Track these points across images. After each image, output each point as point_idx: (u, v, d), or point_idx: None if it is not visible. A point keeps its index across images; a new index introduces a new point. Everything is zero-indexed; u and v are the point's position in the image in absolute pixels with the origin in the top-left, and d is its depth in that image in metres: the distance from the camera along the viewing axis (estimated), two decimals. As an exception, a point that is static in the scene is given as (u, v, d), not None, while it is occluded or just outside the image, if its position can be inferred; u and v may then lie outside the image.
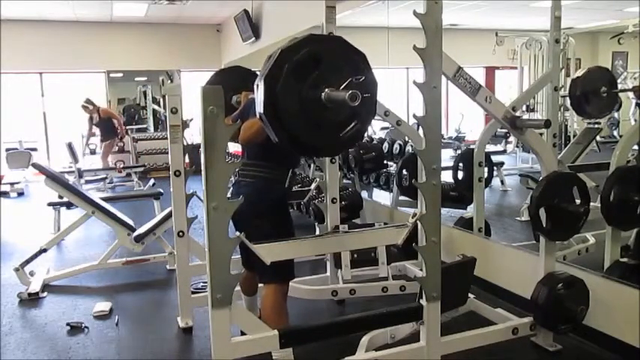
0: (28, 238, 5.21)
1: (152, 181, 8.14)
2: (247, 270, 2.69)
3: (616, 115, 4.99)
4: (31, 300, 3.68)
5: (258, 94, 1.84)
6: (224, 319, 1.91)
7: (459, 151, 6.38)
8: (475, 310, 2.99)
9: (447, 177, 4.03)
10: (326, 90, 1.82)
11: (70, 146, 7.59)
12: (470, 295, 2.86)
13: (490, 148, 5.11)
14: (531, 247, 3.25)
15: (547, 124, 2.44)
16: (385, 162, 4.93)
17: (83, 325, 3.22)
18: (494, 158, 4.74)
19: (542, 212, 2.53)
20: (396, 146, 4.93)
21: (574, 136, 4.81)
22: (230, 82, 2.94)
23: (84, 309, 3.51)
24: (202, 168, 1.80)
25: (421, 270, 2.35)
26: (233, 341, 1.99)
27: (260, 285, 2.74)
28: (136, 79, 10.26)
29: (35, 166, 4.47)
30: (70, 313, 3.47)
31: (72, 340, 3.07)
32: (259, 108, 1.85)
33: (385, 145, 5.01)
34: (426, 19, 2.08)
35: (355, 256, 3.35)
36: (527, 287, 2.66)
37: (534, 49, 5.92)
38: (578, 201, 2.59)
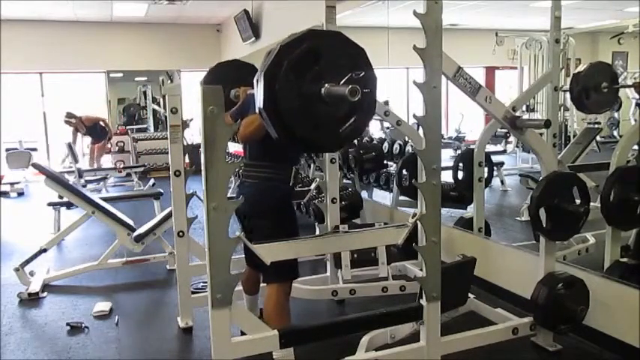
0: (28, 238, 5.21)
1: (152, 181, 8.14)
2: (251, 269, 2.69)
3: (616, 115, 5.00)
4: (31, 300, 3.68)
5: (258, 90, 1.84)
6: (224, 319, 1.91)
7: (459, 151, 6.38)
8: (475, 310, 2.99)
9: (447, 177, 4.03)
10: (326, 85, 1.81)
11: (70, 146, 7.60)
12: (470, 295, 2.86)
13: (490, 148, 5.11)
14: (531, 247, 3.25)
15: (547, 124, 2.44)
16: (385, 162, 4.93)
17: (83, 325, 3.22)
18: (494, 158, 4.74)
19: (542, 212, 2.53)
20: (396, 146, 4.93)
21: (574, 136, 4.82)
22: (228, 75, 2.92)
23: (84, 309, 3.50)
24: (202, 168, 1.80)
25: (421, 270, 2.35)
26: (233, 341, 1.99)
27: (262, 285, 2.74)
28: (136, 79, 10.27)
29: (35, 166, 4.48)
30: (70, 313, 3.46)
31: (72, 340, 3.07)
32: (259, 103, 1.84)
33: (385, 145, 5.01)
34: (426, 19, 2.08)
35: (355, 256, 3.35)
36: (527, 287, 2.66)
37: (534, 49, 5.93)
38: (578, 201, 2.59)
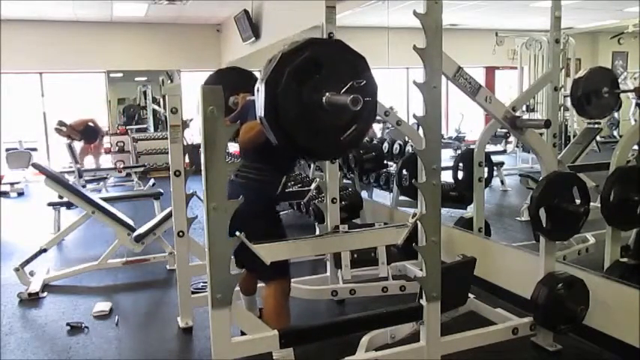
0: (28, 238, 5.21)
1: (152, 181, 8.14)
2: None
3: (616, 115, 4.99)
4: (31, 300, 3.68)
5: (259, 98, 1.84)
6: (224, 319, 1.91)
7: (459, 151, 6.38)
8: (475, 310, 2.99)
9: (447, 177, 4.03)
10: (327, 94, 1.82)
11: (70, 146, 7.59)
12: (470, 295, 2.86)
13: (490, 148, 5.11)
14: (531, 247, 3.25)
15: (547, 124, 2.44)
16: (385, 162, 4.93)
17: (83, 325, 3.22)
18: (494, 158, 4.74)
19: (542, 212, 2.53)
20: (396, 146, 4.93)
21: (574, 136, 4.81)
22: (227, 83, 2.93)
23: (84, 309, 3.50)
24: (202, 168, 1.81)
25: (421, 270, 2.35)
26: (233, 341, 1.99)
27: (260, 285, 2.74)
28: (136, 79, 10.26)
29: (35, 166, 4.48)
30: (70, 313, 3.46)
31: (72, 340, 3.07)
32: (260, 111, 1.85)
33: (385, 145, 5.01)
34: (426, 19, 2.08)
35: (355, 256, 3.35)
36: (527, 287, 2.66)
37: (534, 49, 5.92)
38: (578, 201, 2.59)
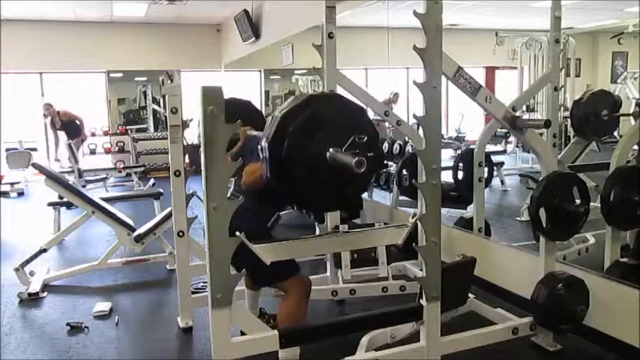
0: (28, 238, 5.21)
1: (152, 181, 8.13)
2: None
3: (616, 115, 4.98)
4: (31, 300, 3.68)
5: (263, 160, 1.90)
6: (224, 319, 1.91)
7: (459, 151, 6.38)
8: (475, 310, 2.99)
9: (447, 177, 4.03)
10: (330, 150, 1.86)
11: (70, 146, 7.59)
12: (470, 295, 2.86)
13: (490, 148, 5.10)
14: (531, 247, 3.25)
15: (547, 124, 2.44)
16: (385, 162, 4.92)
17: (83, 325, 3.22)
18: (494, 158, 4.74)
19: (542, 212, 2.53)
20: (396, 146, 4.93)
21: (574, 136, 4.81)
22: (226, 113, 2.90)
23: (84, 309, 3.50)
24: (202, 168, 1.81)
25: (421, 270, 2.35)
26: (233, 341, 1.99)
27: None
28: (136, 79, 10.26)
29: (35, 166, 4.48)
30: (70, 313, 3.46)
31: (72, 340, 3.07)
32: (266, 171, 1.91)
33: (385, 145, 5.01)
34: (426, 19, 2.08)
35: (355, 256, 3.35)
36: (527, 287, 2.66)
37: (534, 49, 5.92)
38: (578, 201, 2.59)
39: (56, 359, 2.86)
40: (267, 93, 9.65)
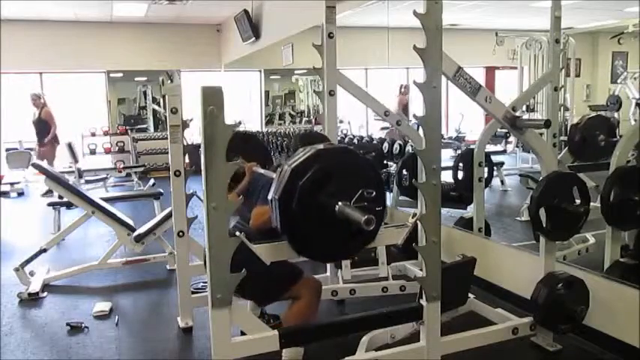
0: (28, 238, 5.21)
1: (152, 181, 8.13)
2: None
3: (616, 115, 4.98)
4: (31, 300, 3.68)
5: (273, 214, 1.95)
6: (224, 319, 1.91)
7: (459, 151, 6.37)
8: (475, 310, 2.99)
9: (447, 177, 4.02)
10: (339, 203, 1.89)
11: (70, 146, 7.59)
12: (470, 295, 2.86)
13: (490, 148, 5.10)
14: (531, 247, 3.25)
15: (547, 124, 2.44)
16: (385, 162, 4.92)
17: (83, 325, 3.22)
18: (494, 158, 4.74)
19: (542, 212, 2.53)
20: (396, 146, 4.93)
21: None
22: (231, 146, 2.90)
23: (84, 309, 3.50)
24: (202, 168, 1.81)
25: (421, 270, 2.35)
26: (233, 341, 1.99)
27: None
28: (136, 79, 10.26)
29: (35, 166, 4.48)
30: (70, 313, 3.46)
31: (72, 340, 3.07)
32: (276, 224, 1.95)
33: (385, 145, 5.01)
34: (426, 19, 2.08)
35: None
36: (527, 287, 2.66)
37: (534, 49, 5.92)
38: (578, 201, 2.59)
39: (56, 359, 2.86)
40: (267, 93, 9.65)
